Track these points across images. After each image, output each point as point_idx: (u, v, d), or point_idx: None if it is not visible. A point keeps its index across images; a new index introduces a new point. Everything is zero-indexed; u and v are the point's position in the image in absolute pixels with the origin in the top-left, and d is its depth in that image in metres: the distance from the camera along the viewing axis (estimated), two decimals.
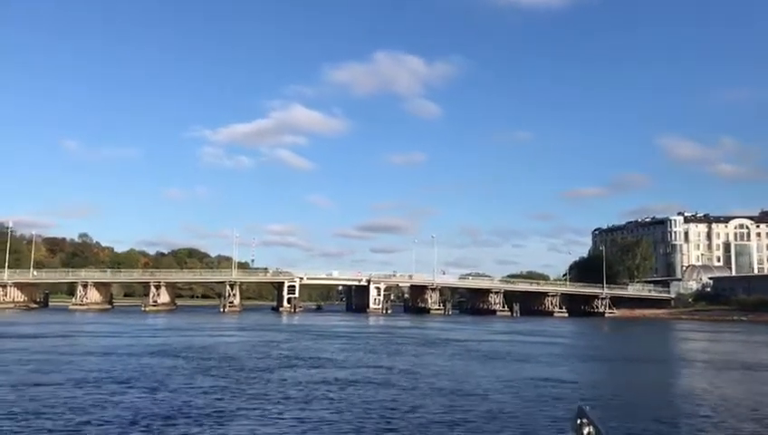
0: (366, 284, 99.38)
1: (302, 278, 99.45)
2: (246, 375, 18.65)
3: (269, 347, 28.86)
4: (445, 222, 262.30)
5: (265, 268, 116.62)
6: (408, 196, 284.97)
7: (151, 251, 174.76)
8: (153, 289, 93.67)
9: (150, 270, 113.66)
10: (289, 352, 26.00)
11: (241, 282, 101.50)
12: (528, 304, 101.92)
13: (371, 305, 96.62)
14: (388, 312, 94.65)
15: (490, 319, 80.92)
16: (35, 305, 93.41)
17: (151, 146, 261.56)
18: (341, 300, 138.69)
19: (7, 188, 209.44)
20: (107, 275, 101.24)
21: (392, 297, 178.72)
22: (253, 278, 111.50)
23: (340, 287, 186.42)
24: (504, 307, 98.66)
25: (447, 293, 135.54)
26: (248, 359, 23.48)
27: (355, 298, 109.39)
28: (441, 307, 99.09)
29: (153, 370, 19.40)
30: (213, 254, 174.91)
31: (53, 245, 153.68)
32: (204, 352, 25.81)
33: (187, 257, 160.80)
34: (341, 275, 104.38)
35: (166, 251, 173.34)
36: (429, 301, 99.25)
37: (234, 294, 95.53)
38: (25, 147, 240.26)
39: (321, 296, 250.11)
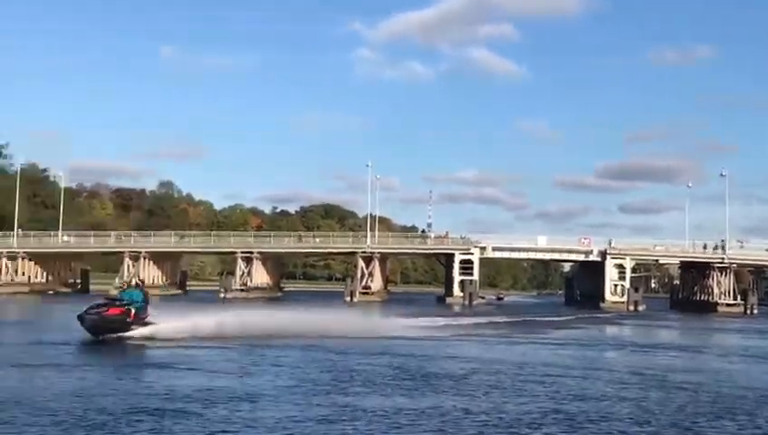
0: (599, 259, 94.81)
1: (483, 249, 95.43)
2: None
3: None
4: (744, 163, 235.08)
5: (422, 232, 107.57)
6: (684, 119, 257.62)
7: (279, 208, 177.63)
8: (241, 264, 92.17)
9: (252, 234, 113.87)
10: None
11: (383, 253, 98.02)
12: None
13: (608, 296, 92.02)
14: (639, 308, 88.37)
15: None
16: (65, 289, 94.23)
17: (275, 51, 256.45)
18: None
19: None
20: (169, 242, 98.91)
21: (653, 285, 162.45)
22: (394, 248, 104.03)
23: (566, 268, 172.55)
24: None
25: (748, 277, 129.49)
26: None
27: (580, 284, 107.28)
28: (738, 301, 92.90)
29: None
30: (363, 213, 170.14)
31: (126, 199, 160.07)
32: None
33: (322, 218, 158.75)
34: (554, 245, 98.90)
35: (294, 209, 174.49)
36: (716, 290, 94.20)
37: (371, 274, 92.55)
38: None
39: (538, 281, 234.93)
